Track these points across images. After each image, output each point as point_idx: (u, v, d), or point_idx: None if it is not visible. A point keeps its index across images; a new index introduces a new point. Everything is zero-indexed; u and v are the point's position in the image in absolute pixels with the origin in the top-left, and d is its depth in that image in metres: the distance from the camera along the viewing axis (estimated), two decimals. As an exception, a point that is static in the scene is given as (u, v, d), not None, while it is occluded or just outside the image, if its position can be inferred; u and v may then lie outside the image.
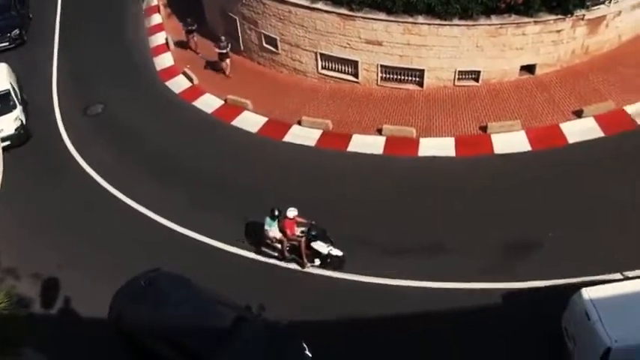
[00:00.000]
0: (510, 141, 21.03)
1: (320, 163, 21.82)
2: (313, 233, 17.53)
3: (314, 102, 24.43)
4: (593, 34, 22.95)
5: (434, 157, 21.10)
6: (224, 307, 15.93)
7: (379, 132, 22.26)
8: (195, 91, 26.45)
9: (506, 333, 15.35)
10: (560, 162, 20.04)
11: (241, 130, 23.98)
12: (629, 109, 21.27)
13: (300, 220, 17.65)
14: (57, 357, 16.57)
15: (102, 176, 22.48)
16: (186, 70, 27.46)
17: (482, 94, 23.04)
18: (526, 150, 20.73)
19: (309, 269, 17.84)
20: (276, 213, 17.46)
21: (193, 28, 28.62)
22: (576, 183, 19.08)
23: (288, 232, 17.57)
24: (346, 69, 24.52)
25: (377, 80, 24.05)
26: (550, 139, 20.88)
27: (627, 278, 15.13)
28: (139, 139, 24.05)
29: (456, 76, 23.22)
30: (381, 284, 17.15)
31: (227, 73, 26.90)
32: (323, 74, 25.08)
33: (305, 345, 15.28)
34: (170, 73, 27.98)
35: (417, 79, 23.65)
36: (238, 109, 24.84)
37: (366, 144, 22.03)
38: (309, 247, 17.64)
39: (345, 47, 23.67)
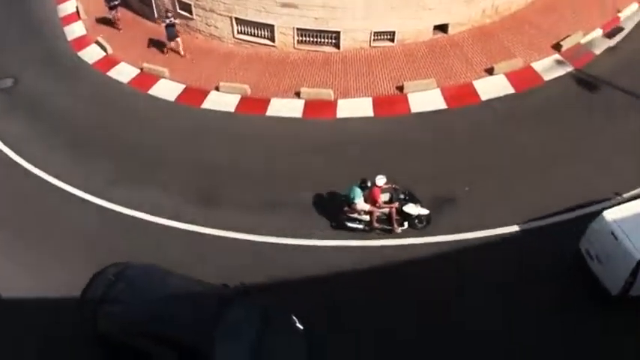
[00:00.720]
0: (426, 100, 21.49)
1: (239, 128, 21.72)
2: (404, 197, 17.08)
3: (231, 67, 24.15)
4: (502, -6, 23.59)
5: (352, 118, 21.34)
6: (207, 291, 15.10)
7: (297, 95, 22.30)
8: (109, 61, 25.66)
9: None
10: (475, 118, 20.67)
11: (159, 98, 23.51)
12: (536, 65, 22.15)
13: (386, 186, 17.05)
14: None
15: (15, 151, 21.64)
16: (99, 39, 26.57)
17: (397, 54, 23.34)
18: (442, 108, 21.25)
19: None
20: (369, 184, 16.66)
21: (116, 2, 27.20)
22: (491, 138, 19.74)
23: (379, 200, 16.81)
24: (262, 33, 24.30)
25: (293, 43, 23.97)
26: (464, 97, 21.49)
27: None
28: (53, 112, 23.24)
29: (372, 38, 23.39)
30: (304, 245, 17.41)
31: (182, 52, 25.19)
32: (239, 39, 24.80)
33: (295, 318, 14.96)
34: (82, 42, 27.00)
35: (334, 41, 23.69)
36: (155, 77, 24.30)
37: (285, 108, 22.05)
38: (399, 212, 17.05)
39: (261, 11, 23.42)
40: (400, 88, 21.92)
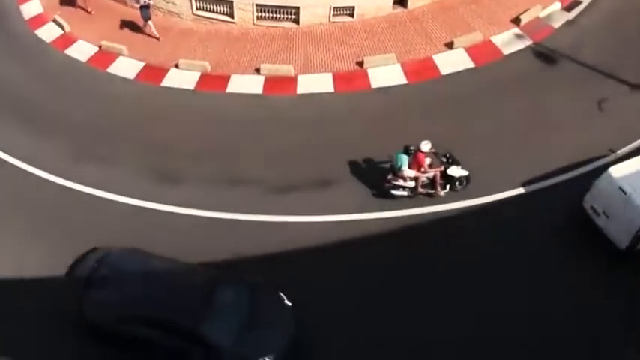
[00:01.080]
0: (386, 75, 21.52)
1: (200, 105, 21.57)
2: (446, 160, 17.20)
3: (190, 44, 23.88)
4: (463, -34, 23.49)
5: (313, 94, 21.29)
6: (194, 272, 15.16)
7: (257, 71, 22.16)
8: (67, 39, 25.14)
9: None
10: (435, 93, 20.73)
11: (118, 76, 23.16)
12: (496, 39, 22.22)
13: (430, 151, 17.06)
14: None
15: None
16: (56, 17, 26.03)
17: (357, 29, 23.26)
18: (402, 83, 21.26)
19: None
20: (412, 149, 16.75)
21: None
22: (450, 112, 19.80)
23: (425, 165, 16.86)
24: (221, 9, 24.02)
25: (253, 19, 23.74)
26: (424, 72, 21.52)
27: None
28: (10, 92, 22.78)
29: (331, 13, 23.28)
30: (265, 222, 17.45)
31: (156, 35, 24.33)
32: (198, 15, 24.48)
33: (282, 295, 14.97)
34: (40, 21, 26.36)
35: (293, 16, 23.52)
36: (113, 55, 23.90)
37: (245, 84, 21.92)
38: (442, 176, 17.12)
39: (219, -13, 23.23)
40: (360, 64, 21.89)
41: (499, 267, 15.73)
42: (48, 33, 25.68)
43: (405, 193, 17.26)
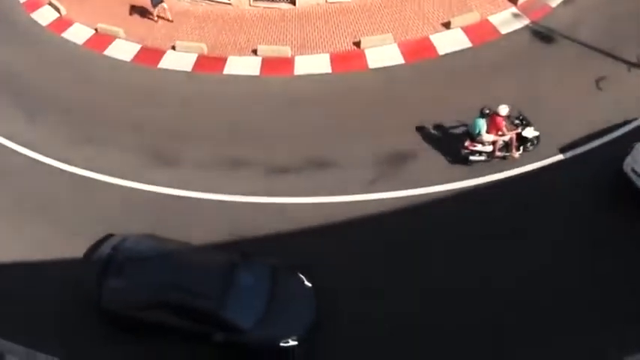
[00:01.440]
0: (384, 55, 21.40)
1: (197, 87, 21.52)
2: (520, 121, 17.31)
3: (187, 26, 23.78)
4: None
5: (310, 75, 21.22)
6: (213, 255, 15.17)
7: (254, 53, 22.08)
8: (63, 22, 25.08)
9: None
10: (432, 73, 20.64)
11: (114, 59, 23.10)
12: (493, 19, 22.08)
13: (507, 115, 17.13)
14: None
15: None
16: (52, 0, 25.92)
17: (354, 9, 23.12)
18: (399, 63, 21.17)
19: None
20: (487, 112, 16.78)
21: None
22: (447, 93, 19.68)
23: (503, 129, 16.94)
24: (218, -9, 23.96)
25: (249, 1, 23.65)
26: (421, 52, 21.40)
27: None
28: (5, 76, 22.78)
29: (328, -7, 23.17)
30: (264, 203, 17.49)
31: (169, 17, 24.04)
32: (194, -3, 24.43)
33: (302, 276, 14.99)
34: (35, 4, 26.30)
35: (289, -3, 23.49)
36: (110, 38, 23.85)
37: (243, 66, 21.84)
38: (518, 138, 17.32)
39: (216, -32, 23.10)
40: (357, 44, 21.80)
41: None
42: (43, 16, 25.63)
43: (482, 158, 17.45)
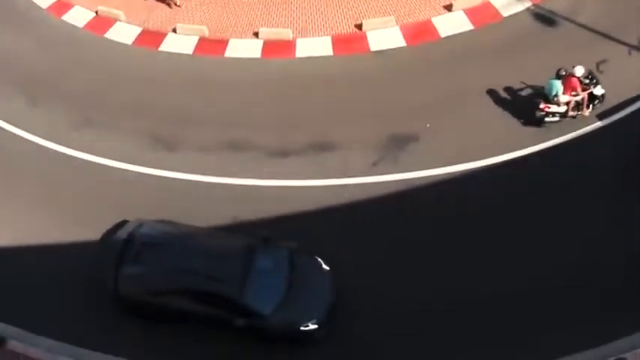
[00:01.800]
0: (385, 37, 21.37)
1: (198, 70, 21.48)
2: (589, 80, 17.74)
3: (187, 8, 23.63)
4: None
5: (312, 57, 21.18)
6: (230, 240, 15.04)
7: (256, 35, 22.02)
8: (63, 5, 24.86)
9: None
10: (434, 56, 20.63)
11: (115, 42, 23.00)
12: (495, 2, 21.98)
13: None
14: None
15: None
16: (52, -17, 25.81)
17: (356, -9, 23.08)
18: (401, 45, 21.14)
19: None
20: (563, 72, 17.46)
21: None
22: (449, 76, 19.72)
23: (579, 89, 17.47)
24: (219, -27, 23.73)
25: (250, -17, 23.51)
26: (423, 34, 21.37)
27: None
28: (5, 59, 22.68)
29: (329, -26, 22.99)
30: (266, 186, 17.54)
31: (177, 2, 23.80)
32: (195, -21, 24.17)
33: (320, 260, 14.97)
34: (34, -14, 26.20)
35: (290, -21, 23.26)
36: (110, 20, 23.73)
37: (244, 48, 21.79)
38: (589, 96, 17.81)
39: (216, -50, 22.91)
40: (359, 26, 21.74)
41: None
42: (43, -1, 25.50)
43: (556, 119, 17.93)
